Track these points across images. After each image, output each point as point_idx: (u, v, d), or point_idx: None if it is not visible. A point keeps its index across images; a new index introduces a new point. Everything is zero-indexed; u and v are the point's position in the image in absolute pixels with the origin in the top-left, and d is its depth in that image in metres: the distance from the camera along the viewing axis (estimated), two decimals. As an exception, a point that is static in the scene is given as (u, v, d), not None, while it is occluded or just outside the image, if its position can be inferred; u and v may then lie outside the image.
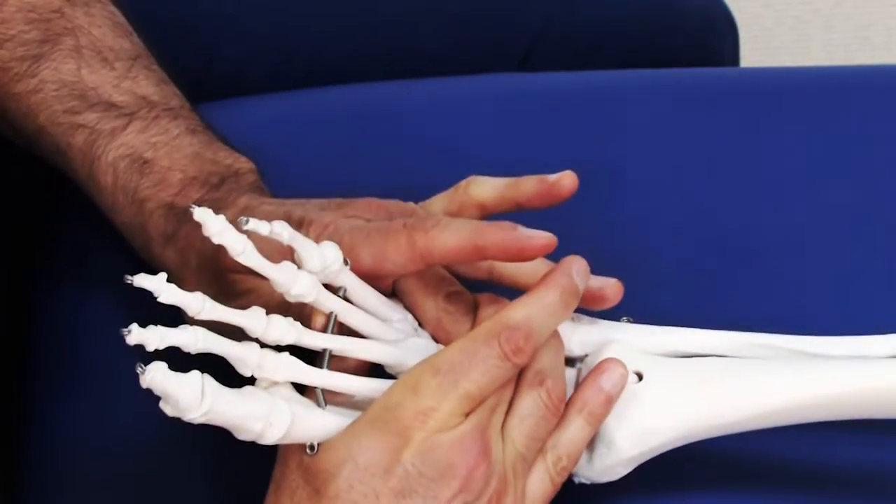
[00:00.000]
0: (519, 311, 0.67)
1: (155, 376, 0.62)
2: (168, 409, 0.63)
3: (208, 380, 0.63)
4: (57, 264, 0.90)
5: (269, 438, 0.65)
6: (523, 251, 0.68)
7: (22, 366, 0.87)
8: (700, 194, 0.87)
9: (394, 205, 0.73)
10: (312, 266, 0.67)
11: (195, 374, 0.63)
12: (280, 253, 0.67)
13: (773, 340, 0.72)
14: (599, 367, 0.70)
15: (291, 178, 0.82)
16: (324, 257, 0.67)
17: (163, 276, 0.63)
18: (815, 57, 1.68)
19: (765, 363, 0.71)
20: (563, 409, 0.69)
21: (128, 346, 0.61)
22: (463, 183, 0.75)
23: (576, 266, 0.69)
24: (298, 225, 0.71)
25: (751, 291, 0.80)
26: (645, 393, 0.70)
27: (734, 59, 1.11)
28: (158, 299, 0.63)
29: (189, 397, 0.62)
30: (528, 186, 0.73)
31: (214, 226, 0.65)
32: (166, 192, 0.76)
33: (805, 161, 0.89)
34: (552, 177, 0.73)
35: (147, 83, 0.80)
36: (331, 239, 0.69)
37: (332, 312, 0.68)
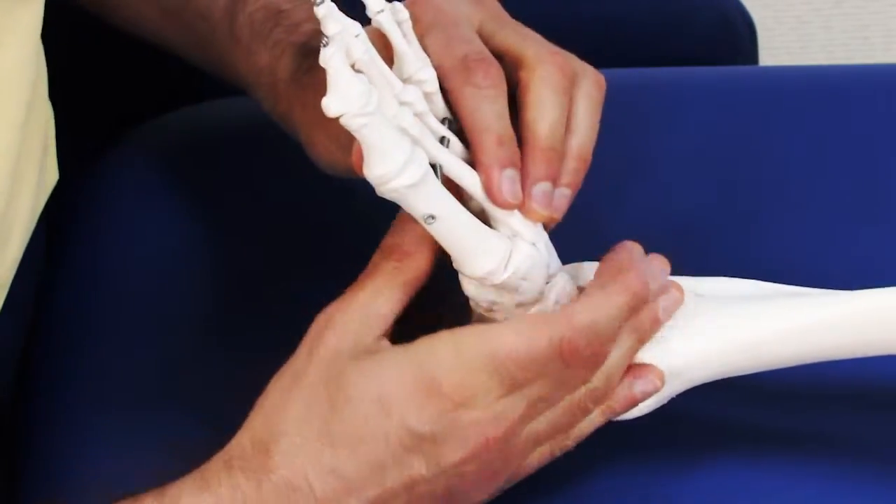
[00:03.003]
0: (586, 314, 0.66)
1: (335, 55, 0.60)
2: (334, 102, 0.61)
3: (375, 90, 0.62)
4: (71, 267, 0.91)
5: (406, 177, 0.63)
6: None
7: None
8: (700, 193, 0.87)
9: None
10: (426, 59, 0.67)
11: (365, 77, 0.61)
12: None
13: (800, 291, 0.72)
14: (639, 370, 0.69)
15: (298, 173, 0.82)
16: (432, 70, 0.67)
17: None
18: (815, 57, 1.68)
19: (793, 296, 0.71)
20: (592, 411, 0.69)
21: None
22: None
23: (652, 266, 0.68)
24: None
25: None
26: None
27: (752, 57, 1.11)
28: (320, 14, 0.61)
29: (359, 90, 0.60)
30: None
31: None
32: (299, 36, 0.77)
33: (805, 160, 0.89)
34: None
35: None
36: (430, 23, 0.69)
37: (447, 117, 0.68)
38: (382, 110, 0.62)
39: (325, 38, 0.60)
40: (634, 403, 0.69)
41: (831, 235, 0.86)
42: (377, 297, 0.67)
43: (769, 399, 0.78)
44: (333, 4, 0.62)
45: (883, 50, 1.68)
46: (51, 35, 0.94)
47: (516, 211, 0.67)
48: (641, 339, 0.69)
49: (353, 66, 0.62)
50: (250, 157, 0.93)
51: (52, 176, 0.82)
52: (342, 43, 0.61)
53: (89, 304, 0.88)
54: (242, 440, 0.66)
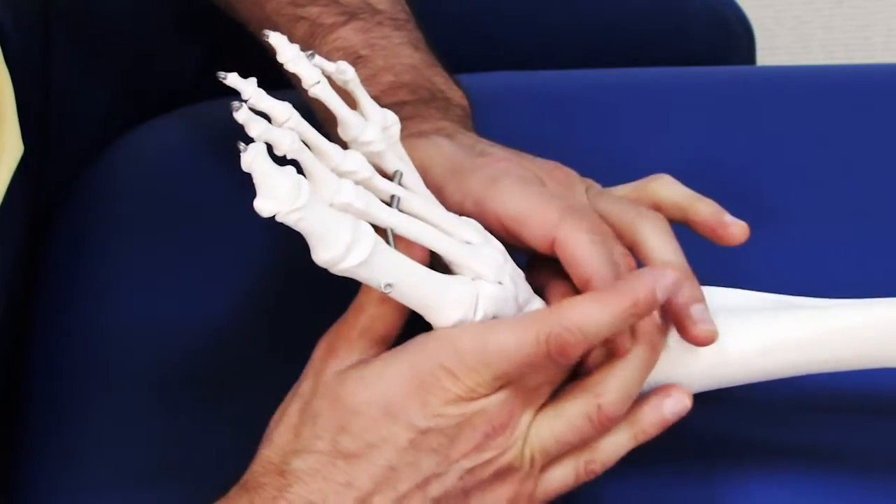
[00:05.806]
0: (578, 313, 0.65)
1: (256, 158, 0.59)
2: (264, 204, 0.60)
3: (304, 179, 0.61)
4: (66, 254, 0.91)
5: (353, 257, 0.62)
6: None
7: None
8: (699, 193, 0.87)
9: (580, 182, 0.72)
10: (374, 117, 0.66)
11: (293, 168, 0.60)
12: None
13: (797, 301, 0.72)
14: (666, 390, 0.69)
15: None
16: (385, 115, 0.66)
17: (253, 80, 0.61)
18: (815, 57, 1.69)
19: (799, 308, 0.71)
20: (608, 428, 0.68)
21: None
22: (652, 177, 0.74)
23: (662, 282, 0.66)
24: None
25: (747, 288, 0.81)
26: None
27: (750, 60, 1.11)
28: (248, 102, 0.61)
29: (287, 186, 0.59)
30: (703, 210, 0.73)
31: (288, 52, 0.63)
32: (374, 88, 0.75)
33: (805, 160, 0.89)
34: (727, 218, 0.72)
35: None
36: (495, 174, 0.69)
37: (397, 171, 0.67)
38: (319, 194, 0.62)
39: (242, 144, 0.59)
40: (665, 425, 0.69)
41: (832, 236, 0.86)
42: (376, 321, 0.67)
43: (777, 411, 0.78)
44: (260, 92, 0.61)
45: (883, 50, 1.69)
46: (51, 35, 0.94)
47: (476, 252, 0.67)
48: (656, 349, 0.69)
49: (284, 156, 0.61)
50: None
51: (16, 148, 0.81)
52: (261, 144, 0.60)
53: (83, 307, 0.88)
54: (254, 467, 0.67)
